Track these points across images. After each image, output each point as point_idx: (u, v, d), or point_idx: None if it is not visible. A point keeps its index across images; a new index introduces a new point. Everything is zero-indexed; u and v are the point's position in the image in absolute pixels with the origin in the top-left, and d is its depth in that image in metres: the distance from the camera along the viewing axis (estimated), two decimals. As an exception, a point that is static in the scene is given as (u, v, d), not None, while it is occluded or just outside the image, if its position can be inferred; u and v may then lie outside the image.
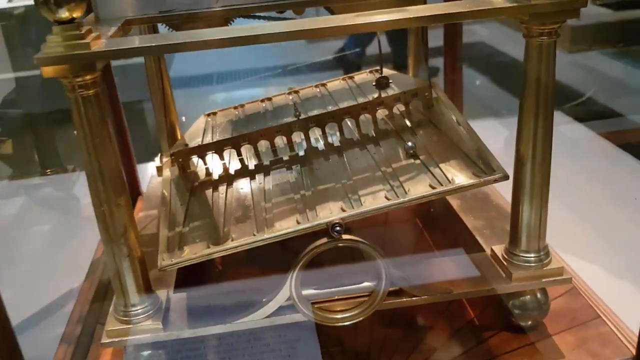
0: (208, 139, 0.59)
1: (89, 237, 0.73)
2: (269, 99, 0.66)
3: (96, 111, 0.37)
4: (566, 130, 1.00)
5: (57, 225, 0.87)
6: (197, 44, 0.36)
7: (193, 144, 0.59)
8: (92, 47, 0.35)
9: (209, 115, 0.68)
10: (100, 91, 0.37)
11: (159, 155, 0.71)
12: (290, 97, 0.64)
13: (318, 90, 0.66)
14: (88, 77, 0.36)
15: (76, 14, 0.35)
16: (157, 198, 0.64)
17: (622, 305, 0.54)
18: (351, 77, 0.67)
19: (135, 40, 0.38)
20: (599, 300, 0.54)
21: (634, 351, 0.44)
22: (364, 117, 0.56)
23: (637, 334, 0.44)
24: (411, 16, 0.38)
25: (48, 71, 0.35)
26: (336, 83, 0.67)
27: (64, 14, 0.35)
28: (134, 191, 0.78)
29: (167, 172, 0.55)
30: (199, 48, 0.35)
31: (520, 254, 0.45)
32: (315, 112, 0.58)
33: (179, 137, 0.69)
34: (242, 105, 0.67)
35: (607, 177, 0.87)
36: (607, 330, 0.48)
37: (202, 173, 0.55)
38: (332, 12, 0.48)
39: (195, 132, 0.63)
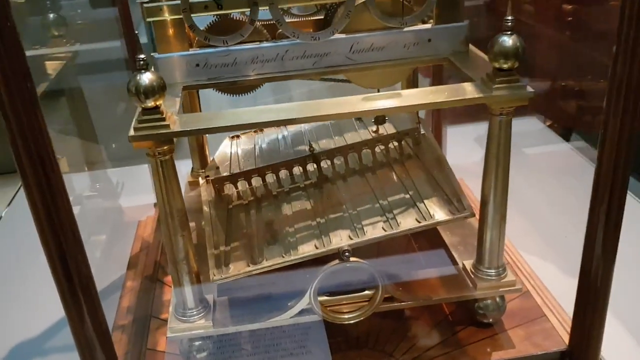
0: (235, 164, 0.72)
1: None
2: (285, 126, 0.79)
3: (170, 170, 0.50)
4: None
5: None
6: (250, 125, 0.49)
7: (223, 167, 0.72)
8: (171, 128, 0.48)
9: (232, 138, 0.81)
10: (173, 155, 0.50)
11: (191, 170, 0.84)
12: (302, 128, 0.77)
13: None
14: (166, 147, 0.49)
15: (159, 103, 0.48)
16: (190, 209, 0.77)
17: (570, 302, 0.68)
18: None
19: (202, 121, 0.51)
20: (548, 299, 0.68)
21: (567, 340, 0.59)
22: (366, 149, 0.69)
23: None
24: (403, 104, 0.51)
25: (138, 145, 0.48)
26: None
27: (150, 103, 0.47)
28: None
29: (205, 194, 0.68)
30: (251, 127, 0.48)
31: (484, 270, 0.59)
32: (324, 141, 0.71)
33: (207, 155, 0.82)
34: (261, 130, 0.80)
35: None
36: (550, 326, 0.62)
37: (234, 196, 0.68)
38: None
39: (223, 156, 0.75)
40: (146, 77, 0.46)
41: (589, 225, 0.52)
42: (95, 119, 1.04)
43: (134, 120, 0.48)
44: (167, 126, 0.48)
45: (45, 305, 0.81)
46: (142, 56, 0.47)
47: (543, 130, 1.19)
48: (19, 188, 1.16)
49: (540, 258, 0.80)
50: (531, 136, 1.11)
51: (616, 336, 0.68)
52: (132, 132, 0.47)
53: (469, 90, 0.51)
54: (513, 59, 0.49)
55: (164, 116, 0.48)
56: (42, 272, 0.82)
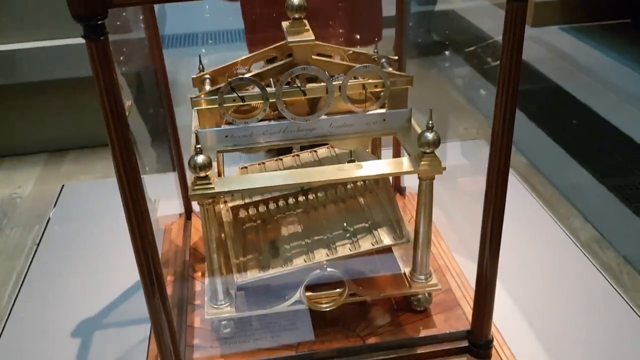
0: (245, 194, 0.99)
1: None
2: (281, 159, 1.06)
3: (212, 212, 0.77)
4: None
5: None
6: (264, 188, 0.77)
7: (236, 195, 1.00)
8: (215, 189, 0.75)
9: (242, 168, 1.08)
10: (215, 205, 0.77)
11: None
12: (295, 161, 1.04)
13: (311, 155, 1.06)
14: (211, 200, 0.76)
15: (208, 173, 0.75)
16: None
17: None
18: (333, 147, 1.07)
19: (233, 184, 0.78)
20: (468, 293, 0.97)
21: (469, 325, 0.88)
22: (341, 187, 0.97)
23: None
24: (363, 174, 0.78)
25: (194, 198, 0.75)
26: (323, 151, 1.07)
27: (202, 174, 0.74)
28: (188, 208, 1.18)
29: (225, 216, 0.95)
30: (264, 190, 0.75)
31: (416, 275, 0.88)
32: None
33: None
34: (263, 163, 1.07)
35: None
36: (462, 313, 0.90)
37: (246, 219, 0.96)
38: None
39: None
40: (200, 158, 0.74)
41: (481, 240, 0.79)
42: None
43: (190, 184, 0.75)
44: (213, 188, 0.75)
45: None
46: (198, 146, 0.73)
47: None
48: (62, 188, 1.42)
49: (470, 260, 1.09)
50: (468, 165, 1.39)
51: (508, 312, 0.99)
52: (190, 192, 0.75)
53: (405, 165, 0.79)
54: (433, 147, 0.77)
55: (211, 182, 0.75)
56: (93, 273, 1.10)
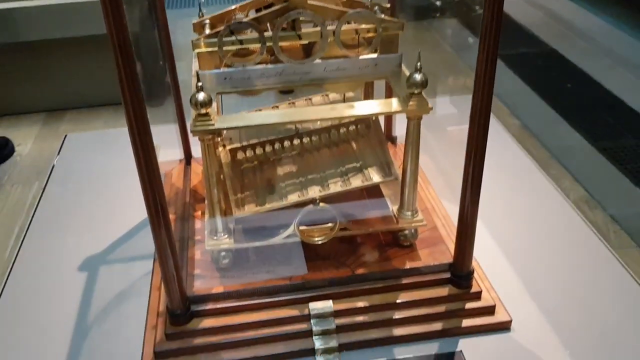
0: (244, 136, 1.04)
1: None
2: (277, 106, 1.11)
3: (212, 148, 0.82)
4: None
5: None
6: (261, 125, 0.82)
7: (235, 137, 1.05)
8: (215, 125, 0.80)
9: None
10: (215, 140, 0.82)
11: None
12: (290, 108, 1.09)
13: (306, 103, 1.10)
14: (211, 136, 0.81)
15: (208, 110, 0.79)
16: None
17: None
18: (327, 94, 1.12)
19: (233, 121, 0.83)
20: (452, 231, 1.03)
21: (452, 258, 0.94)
22: (334, 130, 1.02)
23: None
24: (355, 112, 0.83)
25: (195, 134, 0.80)
26: (318, 98, 1.11)
27: (203, 110, 0.79)
28: (188, 154, 1.24)
29: (224, 158, 1.00)
30: (261, 126, 0.80)
31: (403, 212, 0.93)
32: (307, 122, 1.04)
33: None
34: (260, 109, 1.12)
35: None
36: (446, 248, 0.96)
37: (244, 160, 1.01)
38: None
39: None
40: (201, 95, 0.78)
41: (463, 181, 0.85)
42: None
43: (191, 120, 0.80)
44: (213, 124, 0.80)
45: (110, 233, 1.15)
46: (200, 84, 0.78)
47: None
48: (65, 138, 1.47)
49: (454, 204, 1.15)
50: (456, 116, 1.44)
51: (491, 251, 1.05)
52: (192, 128, 0.80)
53: (394, 105, 0.84)
54: (420, 87, 0.82)
55: (211, 118, 0.80)
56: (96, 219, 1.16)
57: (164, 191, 0.77)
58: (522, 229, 1.14)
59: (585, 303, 0.97)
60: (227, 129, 0.82)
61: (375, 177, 0.92)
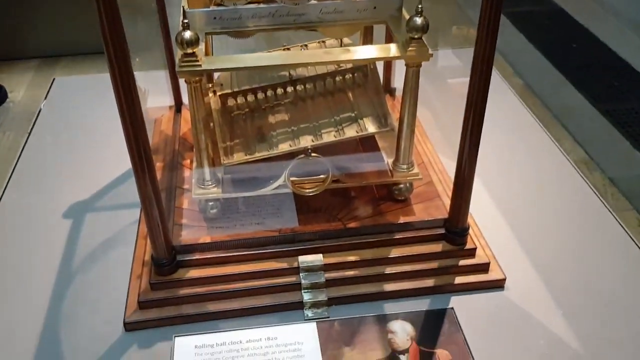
0: (235, 82, 1.00)
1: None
2: (270, 51, 1.06)
3: (199, 91, 0.78)
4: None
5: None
6: (252, 67, 0.77)
7: (226, 83, 1.00)
8: (202, 66, 0.75)
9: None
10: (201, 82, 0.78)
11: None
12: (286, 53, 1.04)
13: (301, 49, 1.05)
14: (198, 78, 0.77)
15: (195, 50, 0.75)
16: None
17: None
18: (323, 42, 1.07)
19: (222, 62, 0.78)
20: (448, 186, 1.00)
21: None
22: (329, 78, 0.98)
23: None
24: (351, 57, 0.79)
25: (181, 76, 0.76)
26: (314, 45, 1.06)
27: (189, 50, 0.74)
28: (178, 100, 1.19)
29: (214, 104, 0.96)
30: (252, 69, 0.76)
31: (399, 164, 0.90)
32: (300, 70, 0.99)
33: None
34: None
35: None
36: (441, 204, 0.93)
37: (235, 107, 0.97)
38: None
39: (226, 75, 1.03)
40: (188, 34, 0.74)
41: (462, 133, 0.81)
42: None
43: (177, 60, 0.76)
44: (200, 65, 0.75)
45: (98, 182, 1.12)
46: (185, 21, 0.73)
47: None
48: (53, 81, 1.42)
49: (451, 160, 1.11)
50: (459, 69, 1.39)
51: (487, 208, 1.02)
52: (177, 69, 0.75)
53: (392, 50, 0.79)
54: (421, 32, 0.77)
55: (198, 59, 0.75)
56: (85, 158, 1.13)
57: (149, 137, 0.73)
58: (520, 187, 1.11)
59: (581, 263, 0.95)
60: (215, 70, 0.77)
61: (370, 127, 0.88)
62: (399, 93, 1.19)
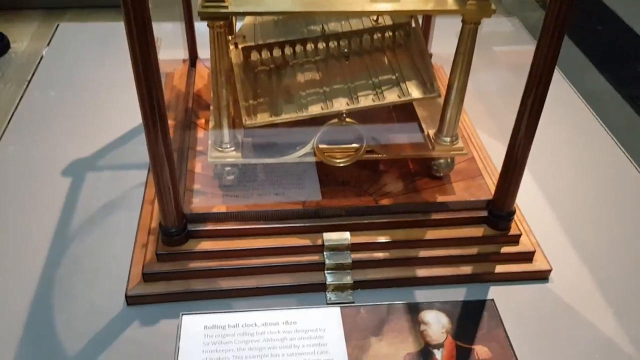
0: (258, 35, 0.89)
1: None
2: None
3: (222, 38, 0.68)
4: None
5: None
6: (282, 12, 0.67)
7: (248, 36, 0.89)
8: (229, 8, 0.65)
9: (256, 15, 0.96)
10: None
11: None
12: None
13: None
14: (222, 22, 0.66)
15: (221, -11, 0.64)
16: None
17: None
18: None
19: (250, 5, 0.68)
20: (488, 165, 0.90)
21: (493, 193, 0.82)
22: (367, 35, 0.87)
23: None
24: (397, 8, 0.68)
25: (204, 17, 0.65)
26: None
27: (215, -11, 0.64)
28: (193, 54, 1.08)
29: (235, 58, 0.85)
30: (282, 14, 0.65)
31: (442, 137, 0.80)
32: (333, 25, 0.88)
33: (234, 23, 0.97)
34: (280, 9, 0.95)
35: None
36: (484, 183, 0.84)
37: (258, 62, 0.86)
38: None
39: (248, 27, 0.92)
40: (214, -31, 0.63)
41: (518, 112, 0.72)
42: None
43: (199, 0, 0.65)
44: (226, 7, 0.65)
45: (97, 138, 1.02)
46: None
47: (519, 30, 1.36)
48: (57, 27, 1.31)
49: (491, 136, 1.01)
50: (506, 36, 1.28)
51: (530, 190, 0.93)
52: (200, 9, 0.65)
53: (449, 3, 0.69)
54: (485, -16, 0.66)
55: (224, 1, 0.65)
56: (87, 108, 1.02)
57: (163, 92, 0.63)
58: (566, 169, 1.01)
59: (633, 258, 0.86)
60: (243, 13, 0.67)
61: (414, 92, 0.78)
62: (434, 61, 1.08)
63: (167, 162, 0.69)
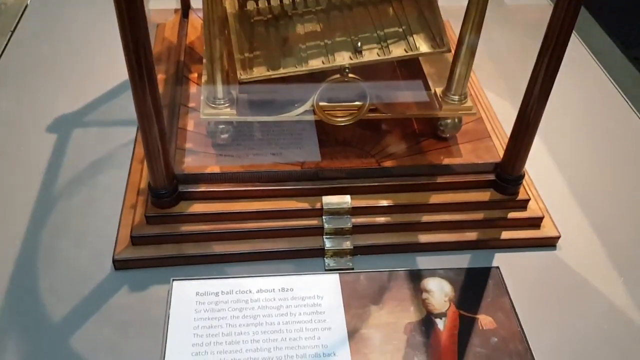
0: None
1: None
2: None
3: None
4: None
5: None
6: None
7: (244, -16, 0.83)
8: (222, -50, 0.59)
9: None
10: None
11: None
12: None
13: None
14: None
15: None
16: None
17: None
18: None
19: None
20: (496, 126, 0.85)
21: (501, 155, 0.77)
22: (370, -15, 0.81)
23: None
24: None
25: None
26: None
27: None
28: (186, 3, 1.02)
29: (229, 7, 0.79)
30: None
31: (450, 95, 0.75)
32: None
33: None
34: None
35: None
36: (492, 145, 0.79)
37: (255, 12, 0.80)
38: None
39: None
40: None
41: (533, 72, 0.67)
42: None
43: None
44: (219, -52, 0.59)
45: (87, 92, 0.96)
46: None
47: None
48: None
49: (499, 96, 0.96)
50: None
51: (538, 154, 0.88)
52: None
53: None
54: None
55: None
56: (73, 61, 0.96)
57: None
58: (578, 132, 0.97)
59: (645, 224, 0.82)
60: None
61: (422, 46, 0.73)
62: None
63: (156, 120, 0.64)
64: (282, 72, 0.71)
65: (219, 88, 0.71)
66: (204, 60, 0.70)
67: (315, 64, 0.71)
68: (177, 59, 0.91)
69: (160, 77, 0.88)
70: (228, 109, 0.72)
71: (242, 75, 0.70)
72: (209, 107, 0.72)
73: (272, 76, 0.71)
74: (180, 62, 0.90)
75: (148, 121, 0.64)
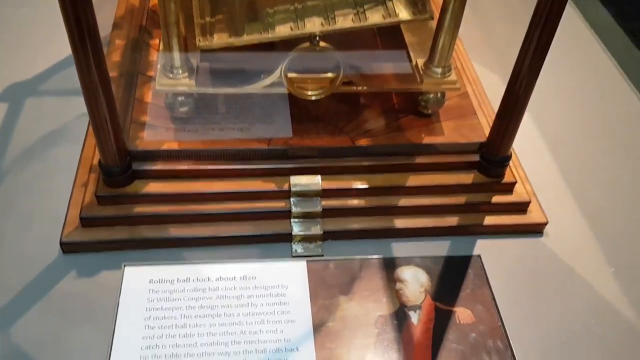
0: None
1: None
2: None
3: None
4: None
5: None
6: None
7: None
8: None
9: None
10: None
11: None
12: None
13: None
14: None
15: None
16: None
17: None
18: None
19: None
20: (483, 102, 0.79)
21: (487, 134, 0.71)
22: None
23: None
24: None
25: None
26: None
27: None
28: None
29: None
30: None
31: (432, 67, 0.69)
32: None
33: None
34: None
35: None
36: (477, 122, 0.74)
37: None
38: None
39: None
40: None
41: (523, 44, 0.61)
42: None
43: None
44: None
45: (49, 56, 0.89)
46: None
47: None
48: None
49: (488, 68, 0.90)
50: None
51: (527, 134, 0.82)
52: None
53: None
54: None
55: None
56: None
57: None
58: (570, 110, 0.91)
59: (638, 212, 0.77)
60: None
61: (402, 13, 0.66)
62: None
63: (103, 92, 0.58)
64: (245, 39, 0.64)
65: (176, 56, 0.64)
66: (161, 25, 0.63)
67: (284, 30, 0.65)
68: (139, 23, 0.84)
69: (119, 42, 0.81)
70: (187, 80, 0.66)
71: (201, 42, 0.64)
72: (165, 77, 0.66)
73: (235, 44, 0.64)
74: (142, 26, 0.83)
75: (94, 94, 0.58)
